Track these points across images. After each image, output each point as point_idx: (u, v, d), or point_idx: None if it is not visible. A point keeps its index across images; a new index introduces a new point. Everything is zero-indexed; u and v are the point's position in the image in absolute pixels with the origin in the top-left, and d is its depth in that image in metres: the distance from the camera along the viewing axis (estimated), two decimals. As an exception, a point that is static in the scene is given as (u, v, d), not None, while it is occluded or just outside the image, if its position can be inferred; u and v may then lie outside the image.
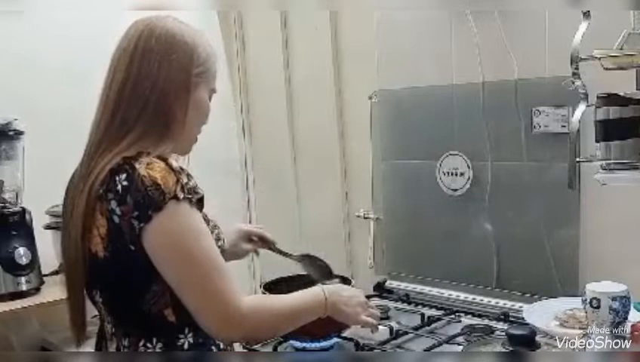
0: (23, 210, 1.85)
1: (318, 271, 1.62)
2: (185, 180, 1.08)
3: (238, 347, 1.60)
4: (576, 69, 1.30)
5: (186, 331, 1.14)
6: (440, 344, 1.58)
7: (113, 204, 1.07)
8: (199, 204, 1.11)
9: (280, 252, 1.61)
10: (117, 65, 1.16)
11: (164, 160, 1.09)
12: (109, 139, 1.13)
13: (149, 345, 1.13)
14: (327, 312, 1.27)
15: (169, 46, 1.15)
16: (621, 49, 1.27)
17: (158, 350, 1.13)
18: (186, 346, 1.14)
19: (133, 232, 1.06)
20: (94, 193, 1.08)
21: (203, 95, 1.20)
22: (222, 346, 1.20)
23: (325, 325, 1.33)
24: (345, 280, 1.62)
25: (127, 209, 1.05)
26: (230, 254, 1.51)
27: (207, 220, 1.17)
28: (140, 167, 1.06)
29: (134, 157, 1.08)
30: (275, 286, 1.64)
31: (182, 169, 1.10)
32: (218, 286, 1.08)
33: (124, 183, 1.06)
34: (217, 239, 1.17)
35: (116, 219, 1.07)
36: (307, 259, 1.63)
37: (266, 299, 1.39)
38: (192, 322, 1.12)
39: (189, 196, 1.08)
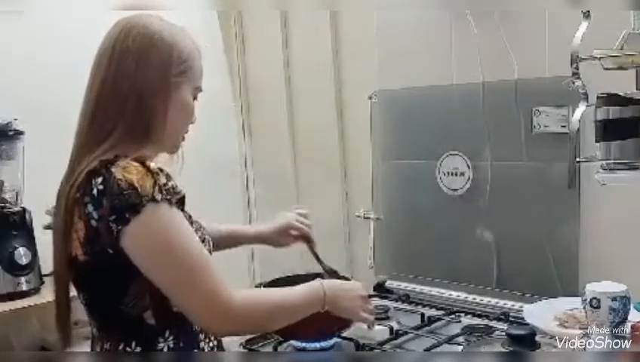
0: (23, 210, 1.85)
1: None
2: (163, 181, 1.07)
3: (238, 347, 1.60)
4: (577, 68, 1.30)
5: (166, 334, 1.12)
6: (440, 344, 1.58)
7: (90, 208, 1.06)
8: (180, 203, 1.10)
9: (316, 256, 1.59)
10: (97, 67, 1.14)
11: (142, 162, 1.07)
12: (90, 142, 1.11)
13: (128, 348, 1.12)
14: (325, 306, 1.25)
15: (146, 45, 1.12)
16: (621, 49, 1.27)
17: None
18: (165, 350, 1.12)
19: (111, 235, 1.05)
20: (72, 197, 1.08)
21: (185, 95, 1.17)
22: (206, 349, 1.17)
23: (325, 323, 1.33)
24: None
25: (104, 212, 1.04)
26: (267, 240, 1.55)
27: (191, 221, 1.15)
28: (116, 171, 1.05)
29: (112, 160, 1.07)
30: (274, 287, 1.64)
31: (160, 170, 1.08)
32: (207, 281, 1.07)
33: (100, 187, 1.05)
34: (202, 240, 1.15)
35: (94, 223, 1.06)
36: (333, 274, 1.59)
37: (261, 291, 1.37)
38: (173, 325, 1.11)
39: (168, 197, 1.06)
